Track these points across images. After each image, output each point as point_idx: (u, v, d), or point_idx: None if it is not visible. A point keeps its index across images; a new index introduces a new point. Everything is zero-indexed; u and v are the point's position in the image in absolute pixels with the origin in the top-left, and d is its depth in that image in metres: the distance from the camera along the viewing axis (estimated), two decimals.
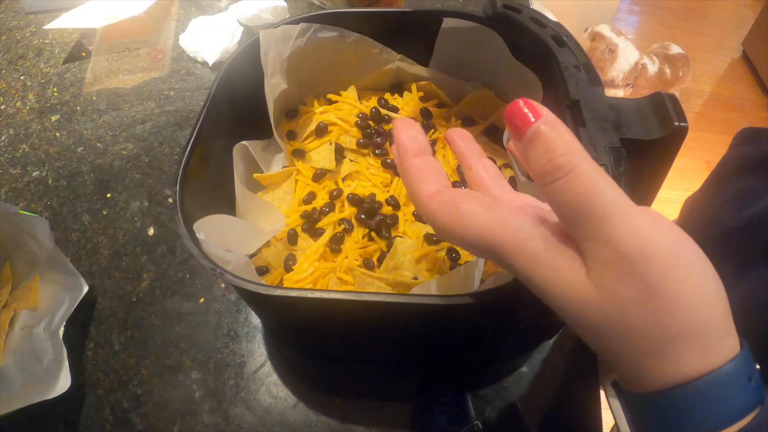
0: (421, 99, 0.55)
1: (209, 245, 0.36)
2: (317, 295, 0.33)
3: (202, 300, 0.55)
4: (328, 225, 0.47)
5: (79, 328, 0.53)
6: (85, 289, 0.52)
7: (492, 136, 0.53)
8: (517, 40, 0.46)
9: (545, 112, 0.23)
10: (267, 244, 0.46)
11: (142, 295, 0.56)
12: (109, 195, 0.65)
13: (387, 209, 0.47)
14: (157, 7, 0.86)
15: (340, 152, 0.51)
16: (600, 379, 0.48)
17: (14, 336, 0.51)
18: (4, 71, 0.82)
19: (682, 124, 0.33)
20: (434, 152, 0.51)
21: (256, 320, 0.53)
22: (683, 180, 1.79)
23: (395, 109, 0.55)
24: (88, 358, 0.52)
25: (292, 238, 0.46)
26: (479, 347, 0.40)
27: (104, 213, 0.63)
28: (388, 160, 0.50)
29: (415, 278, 0.43)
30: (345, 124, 0.53)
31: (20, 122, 0.74)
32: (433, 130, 0.52)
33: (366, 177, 0.50)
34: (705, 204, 0.60)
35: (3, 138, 0.72)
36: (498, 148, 0.52)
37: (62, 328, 0.50)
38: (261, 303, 0.42)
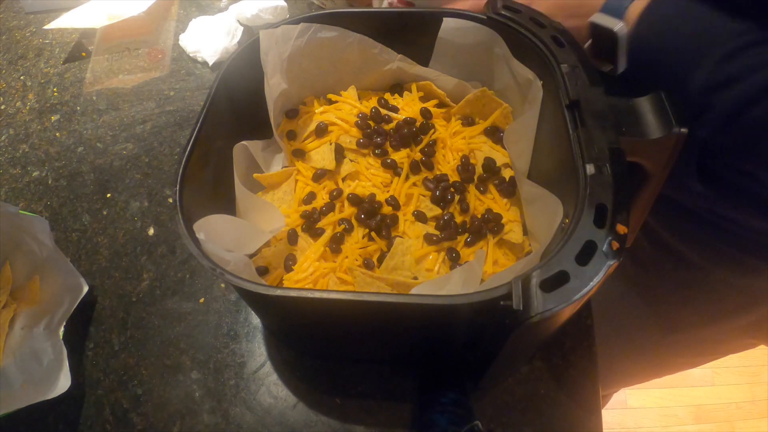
0: (421, 99, 0.55)
1: (209, 245, 0.36)
2: (317, 295, 0.33)
3: (202, 300, 0.55)
4: (328, 225, 0.47)
5: (79, 328, 0.53)
6: (85, 289, 0.52)
7: (492, 136, 0.53)
8: (517, 40, 0.46)
9: None
10: (267, 244, 0.46)
11: (142, 295, 0.56)
12: (109, 195, 0.65)
13: (387, 209, 0.47)
14: (157, 7, 0.86)
15: (340, 152, 0.51)
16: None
17: (14, 336, 0.51)
18: (4, 71, 0.82)
19: (681, 130, 0.33)
20: (434, 152, 0.51)
21: (256, 320, 0.53)
22: None
23: (395, 109, 0.55)
24: (88, 358, 0.52)
25: (292, 238, 0.46)
26: (479, 347, 0.40)
27: (104, 213, 0.63)
28: (388, 160, 0.50)
29: (415, 278, 0.43)
30: (345, 124, 0.53)
31: (20, 122, 0.74)
32: (433, 130, 0.52)
33: (366, 177, 0.50)
34: None
35: (3, 138, 0.72)
36: (498, 148, 0.52)
37: (62, 328, 0.50)
38: (261, 303, 0.42)
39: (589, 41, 0.45)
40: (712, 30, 0.37)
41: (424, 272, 0.44)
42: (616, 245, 0.30)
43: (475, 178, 0.50)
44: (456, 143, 0.52)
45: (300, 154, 0.52)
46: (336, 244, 0.45)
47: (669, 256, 0.56)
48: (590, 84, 0.39)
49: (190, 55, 0.80)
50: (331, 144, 0.51)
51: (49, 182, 0.67)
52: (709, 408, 1.34)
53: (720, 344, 0.64)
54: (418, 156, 0.50)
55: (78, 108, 0.75)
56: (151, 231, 0.61)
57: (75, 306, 0.51)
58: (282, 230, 0.47)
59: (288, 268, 0.45)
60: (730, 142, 0.38)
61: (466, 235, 0.46)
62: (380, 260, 0.44)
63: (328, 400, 0.48)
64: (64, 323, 0.50)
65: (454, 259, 0.44)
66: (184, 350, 0.52)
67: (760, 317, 0.56)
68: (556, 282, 0.29)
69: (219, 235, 0.39)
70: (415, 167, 0.50)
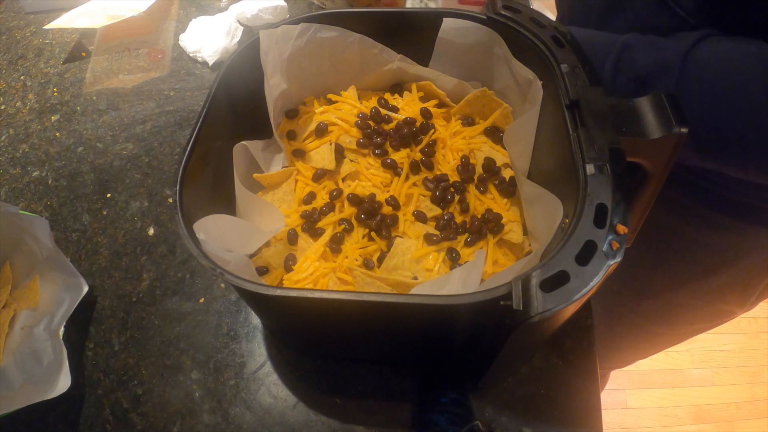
0: (421, 99, 0.55)
1: (209, 245, 0.36)
2: (317, 295, 0.33)
3: (202, 300, 0.55)
4: (328, 225, 0.47)
5: (79, 328, 0.53)
6: (85, 289, 0.52)
7: (492, 136, 0.53)
8: (517, 40, 0.46)
9: None
10: (267, 244, 0.46)
11: (142, 295, 0.56)
12: (109, 195, 0.65)
13: (387, 209, 0.47)
14: (157, 7, 0.86)
15: (340, 152, 0.51)
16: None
17: (14, 336, 0.51)
18: (4, 71, 0.82)
19: (682, 130, 0.33)
20: (434, 152, 0.51)
21: (256, 320, 0.53)
22: None
23: (395, 109, 0.55)
24: (88, 358, 0.52)
25: (292, 238, 0.47)
26: (479, 347, 0.40)
27: (104, 213, 0.63)
28: (388, 160, 0.50)
29: (415, 278, 0.43)
30: (345, 124, 0.53)
31: (20, 122, 0.74)
32: (433, 130, 0.52)
33: (366, 177, 0.50)
34: None
35: (3, 138, 0.72)
36: (498, 148, 0.52)
37: (62, 328, 0.50)
38: (261, 303, 0.42)
39: None
40: None
41: (424, 272, 0.44)
42: (616, 245, 0.30)
43: (475, 178, 0.50)
44: (456, 143, 0.52)
45: (300, 154, 0.52)
46: (336, 244, 0.45)
47: None
48: (590, 84, 0.39)
49: (190, 55, 0.80)
50: (331, 144, 0.51)
51: (49, 182, 0.67)
52: (709, 408, 1.34)
53: (695, 311, 0.65)
54: (418, 156, 0.50)
55: (78, 108, 0.75)
56: (151, 231, 0.61)
57: (75, 306, 0.51)
58: (282, 230, 0.47)
59: (288, 268, 0.45)
60: None
61: (466, 235, 0.46)
62: (380, 260, 0.44)
63: (328, 400, 0.48)
64: (64, 323, 0.50)
65: (454, 259, 0.44)
66: (184, 350, 0.52)
67: (730, 279, 0.57)
68: (556, 282, 0.29)
69: (219, 235, 0.39)
70: (415, 167, 0.50)
